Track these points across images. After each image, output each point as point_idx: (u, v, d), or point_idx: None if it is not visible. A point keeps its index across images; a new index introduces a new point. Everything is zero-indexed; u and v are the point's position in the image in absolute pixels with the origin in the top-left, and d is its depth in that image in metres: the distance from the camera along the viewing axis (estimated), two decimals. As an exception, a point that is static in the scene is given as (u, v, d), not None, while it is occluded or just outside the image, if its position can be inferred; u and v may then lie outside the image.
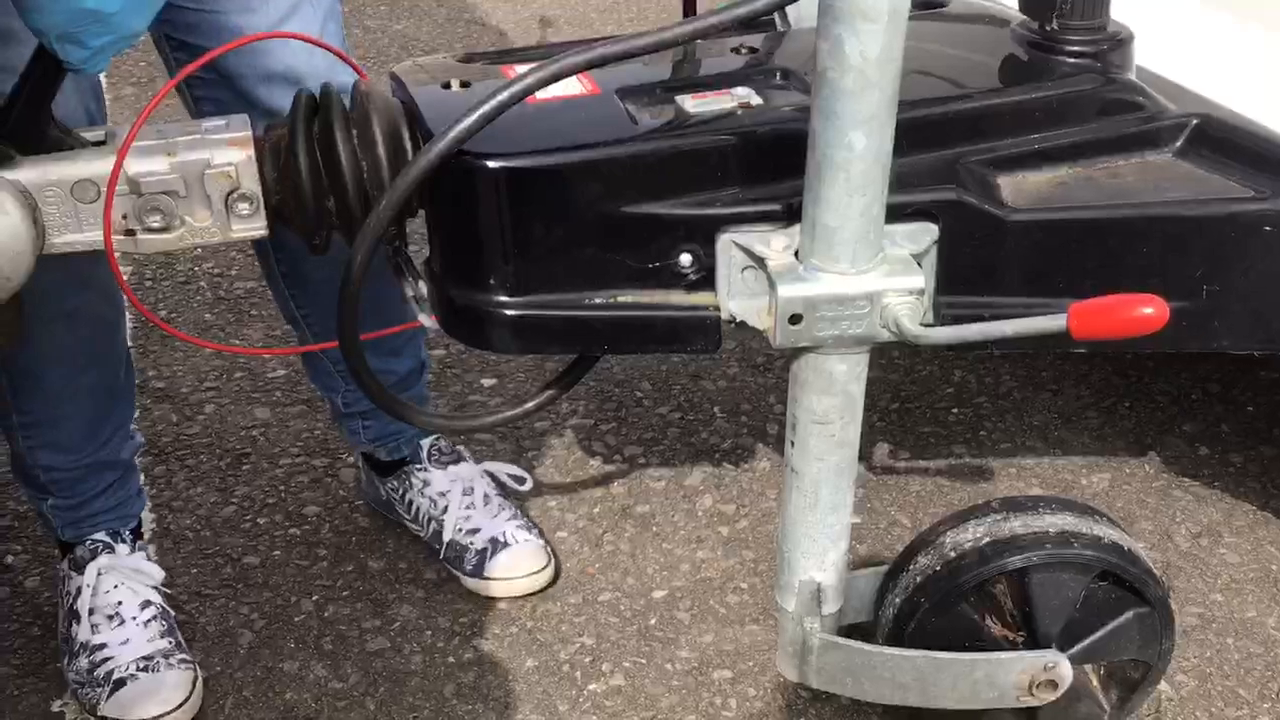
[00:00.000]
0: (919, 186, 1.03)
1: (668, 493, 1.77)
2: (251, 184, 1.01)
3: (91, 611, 1.46)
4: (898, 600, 1.23)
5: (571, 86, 1.10)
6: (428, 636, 1.53)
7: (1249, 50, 1.42)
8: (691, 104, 1.07)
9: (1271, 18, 1.41)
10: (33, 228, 0.94)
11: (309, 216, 1.03)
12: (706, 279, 1.05)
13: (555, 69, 0.95)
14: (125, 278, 1.47)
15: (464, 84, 1.12)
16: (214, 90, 1.31)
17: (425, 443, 1.67)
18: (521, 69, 1.01)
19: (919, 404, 1.94)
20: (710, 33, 0.96)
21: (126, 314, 1.51)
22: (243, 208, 1.01)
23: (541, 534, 1.64)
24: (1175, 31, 1.41)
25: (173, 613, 1.51)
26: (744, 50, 1.20)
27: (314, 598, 1.59)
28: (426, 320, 1.12)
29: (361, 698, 1.45)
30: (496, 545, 1.58)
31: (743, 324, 1.06)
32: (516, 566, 1.58)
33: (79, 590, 1.48)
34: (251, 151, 1.00)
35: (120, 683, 1.41)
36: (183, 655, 1.44)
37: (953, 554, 1.20)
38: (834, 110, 0.90)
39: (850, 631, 1.23)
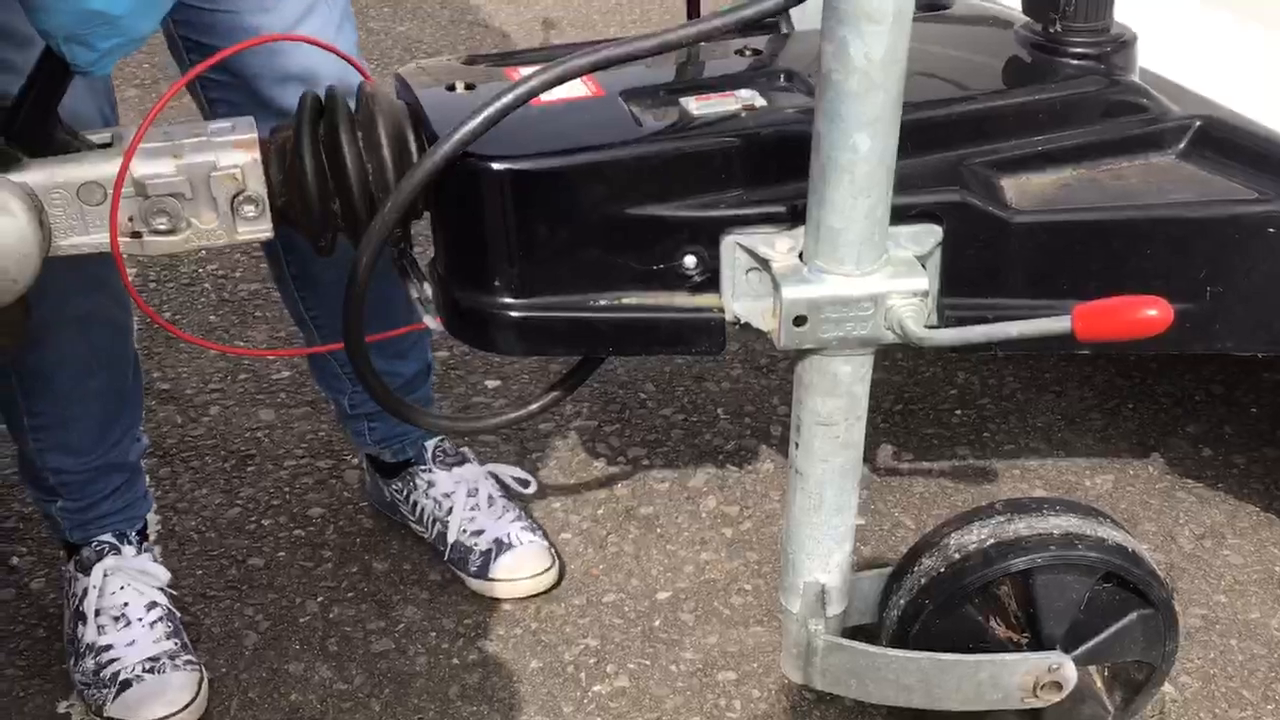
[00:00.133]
0: (923, 188, 1.03)
1: (671, 494, 1.77)
2: (257, 186, 1.01)
3: (98, 613, 1.47)
4: (902, 602, 1.23)
5: (576, 89, 1.10)
6: (432, 638, 1.53)
7: (1251, 51, 1.42)
8: (696, 106, 1.07)
9: (1273, 17, 1.41)
10: (39, 230, 0.95)
11: (314, 218, 1.04)
12: (711, 281, 1.05)
13: (560, 71, 0.95)
14: (130, 280, 1.47)
15: (469, 86, 1.12)
16: (228, 92, 1.31)
17: (430, 444, 1.67)
18: (526, 71, 1.01)
19: (922, 405, 1.94)
20: (714, 35, 0.97)
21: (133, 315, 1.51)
22: (248, 210, 1.01)
23: (545, 535, 1.64)
24: (1178, 33, 1.41)
25: (178, 614, 1.51)
26: (748, 52, 1.21)
27: (319, 599, 1.59)
28: (431, 322, 1.13)
29: (366, 699, 1.45)
30: (501, 546, 1.59)
31: (747, 326, 1.06)
32: (520, 567, 1.58)
33: (85, 592, 1.49)
34: (257, 154, 1.01)
35: (126, 684, 1.41)
36: (188, 656, 1.45)
37: (957, 555, 1.20)
38: (839, 112, 0.90)
39: (854, 633, 1.23)
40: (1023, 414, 1.92)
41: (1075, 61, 1.14)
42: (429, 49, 3.39)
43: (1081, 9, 1.13)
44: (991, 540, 1.19)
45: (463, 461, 1.68)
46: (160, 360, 2.06)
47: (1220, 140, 1.14)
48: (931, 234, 1.04)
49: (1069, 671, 1.17)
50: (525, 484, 1.71)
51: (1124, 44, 1.16)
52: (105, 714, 1.41)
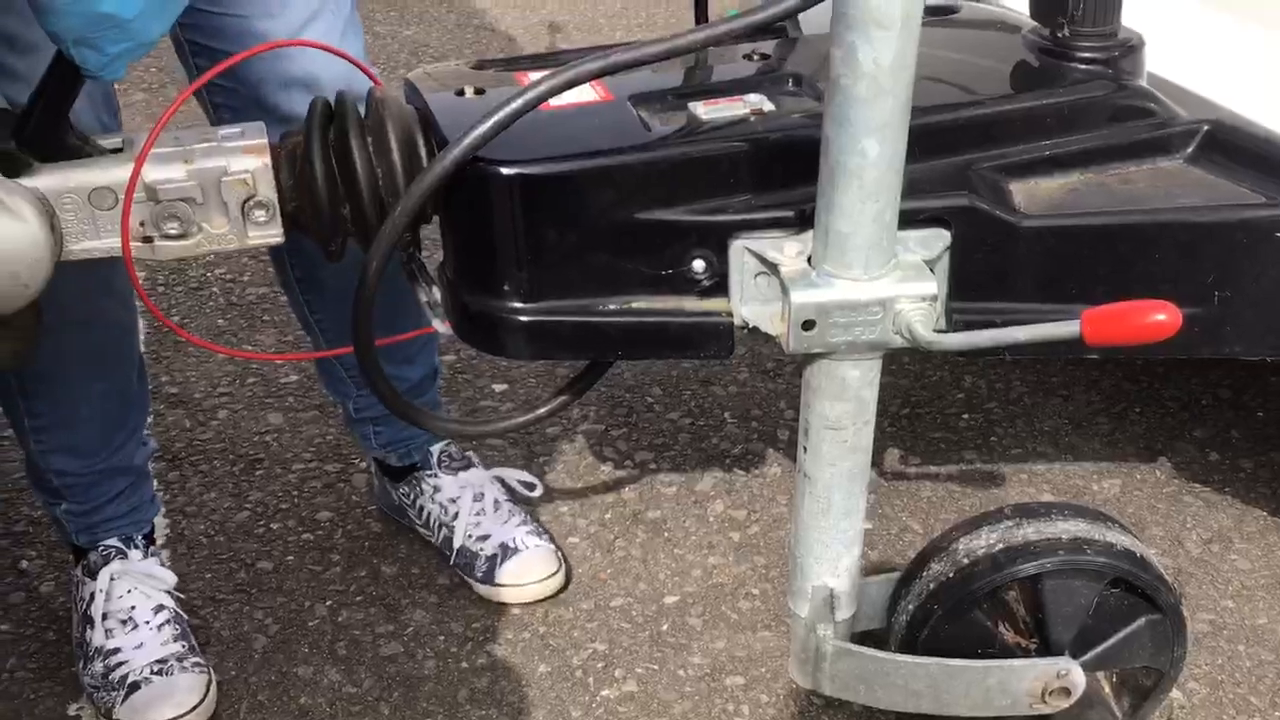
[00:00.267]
0: (931, 193, 1.03)
1: (679, 498, 1.77)
2: (268, 191, 1.01)
3: (105, 616, 1.47)
4: (911, 607, 1.23)
5: (584, 93, 1.11)
6: (441, 641, 1.54)
7: (1259, 54, 1.42)
8: (704, 111, 1.07)
9: (1273, 18, 1.41)
10: (51, 235, 0.95)
11: (325, 223, 1.04)
12: (719, 285, 1.05)
13: (569, 76, 0.95)
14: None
15: (478, 91, 1.12)
16: (231, 97, 1.32)
17: (435, 449, 1.67)
18: (535, 76, 1.01)
19: (929, 410, 1.94)
20: (723, 40, 0.97)
21: (140, 320, 1.52)
22: (259, 215, 1.02)
23: (552, 539, 1.64)
24: (1186, 37, 1.41)
25: (186, 617, 1.51)
26: (756, 57, 1.21)
27: (327, 603, 1.59)
28: (440, 326, 1.13)
29: (375, 703, 1.46)
30: (506, 551, 1.59)
31: (755, 330, 1.06)
32: (526, 572, 1.58)
33: (92, 596, 1.49)
34: (268, 159, 1.01)
35: (134, 686, 1.41)
36: (196, 659, 1.45)
37: (966, 560, 1.20)
38: (847, 117, 0.90)
39: (862, 638, 1.23)
40: (1030, 418, 1.92)
41: (1083, 66, 1.14)
42: (435, 53, 3.40)
43: (1089, 14, 1.13)
44: (1000, 545, 1.19)
45: (468, 466, 1.68)
46: (169, 364, 2.07)
47: (1228, 145, 1.14)
48: (940, 238, 1.04)
49: (1077, 677, 1.17)
50: (531, 488, 1.71)
51: (1132, 49, 1.16)
52: (114, 716, 1.41)
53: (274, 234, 1.03)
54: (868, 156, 0.91)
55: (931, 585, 1.21)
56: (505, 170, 1.00)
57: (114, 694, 1.42)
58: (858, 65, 0.88)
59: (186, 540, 1.70)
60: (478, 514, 1.63)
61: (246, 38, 1.27)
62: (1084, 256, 1.07)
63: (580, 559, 1.66)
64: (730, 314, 1.06)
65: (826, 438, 1.06)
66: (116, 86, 1.39)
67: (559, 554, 1.62)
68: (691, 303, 1.06)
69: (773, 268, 1.02)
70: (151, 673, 1.42)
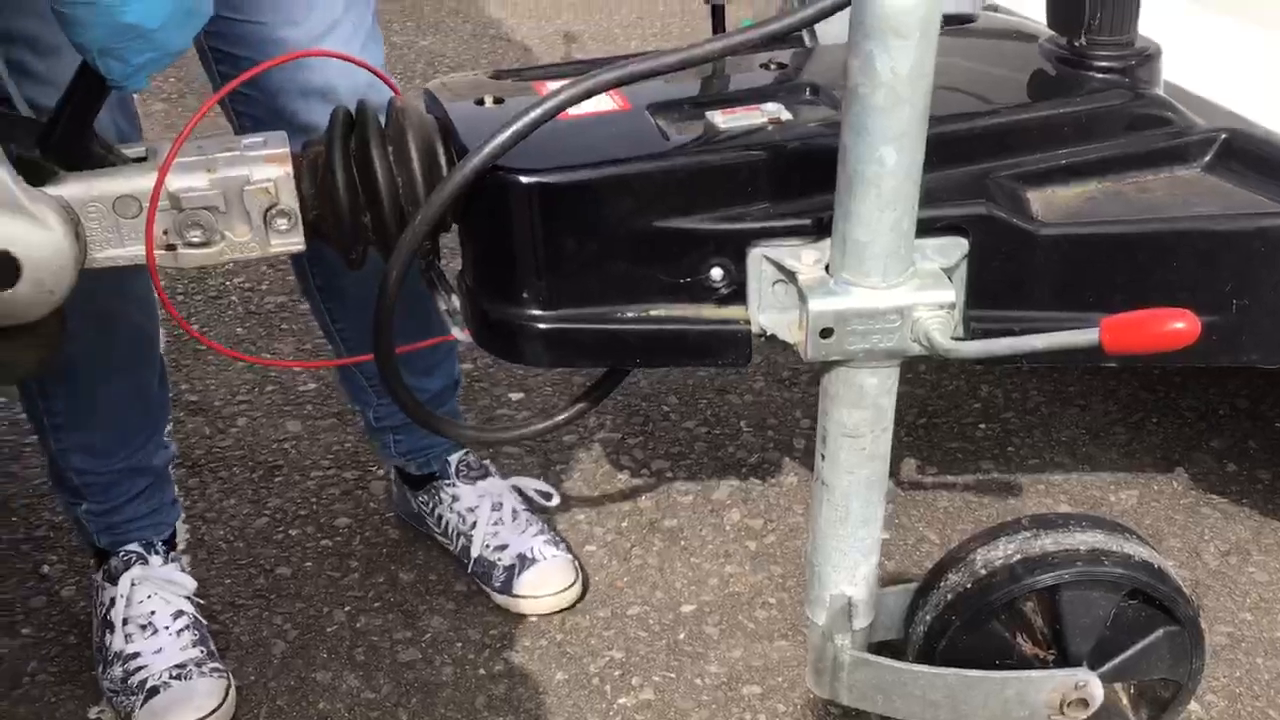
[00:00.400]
0: (949, 201, 1.03)
1: (695, 507, 1.78)
2: (290, 200, 1.02)
3: (125, 621, 1.48)
4: (928, 617, 1.22)
5: (603, 102, 1.11)
6: (458, 648, 1.54)
7: (1264, 57, 1.42)
8: (722, 119, 1.08)
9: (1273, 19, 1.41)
10: (75, 243, 0.96)
11: (346, 232, 1.05)
12: (737, 293, 1.06)
13: (588, 85, 0.96)
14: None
15: (497, 100, 1.13)
16: (252, 105, 1.33)
17: (454, 458, 1.68)
18: (553, 85, 1.02)
19: (946, 419, 1.94)
20: (741, 49, 0.98)
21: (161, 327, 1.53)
22: (281, 223, 1.02)
23: (569, 549, 1.65)
24: (1203, 46, 1.41)
25: (205, 622, 1.52)
26: (773, 66, 1.21)
27: (346, 608, 1.60)
28: (459, 333, 1.14)
29: (394, 708, 1.46)
30: (524, 561, 1.59)
31: (773, 338, 1.06)
32: (544, 584, 1.59)
33: (113, 600, 1.50)
34: (290, 168, 1.02)
35: (154, 690, 1.42)
36: (215, 664, 1.46)
37: (983, 571, 1.19)
38: (865, 126, 0.91)
39: (879, 649, 1.23)
40: (1047, 428, 1.92)
41: (1100, 75, 1.15)
42: (451, 63, 3.41)
43: (1106, 23, 1.13)
44: (1018, 556, 1.19)
45: (486, 475, 1.69)
46: (189, 372, 2.08)
47: (1245, 153, 1.14)
48: (958, 246, 1.04)
49: (1095, 689, 1.17)
50: (549, 497, 1.71)
51: (1148, 57, 1.16)
52: (134, 721, 1.42)
53: (295, 242, 1.04)
54: (885, 165, 0.92)
55: (949, 596, 1.21)
56: (524, 179, 1.00)
57: (133, 698, 1.43)
58: (875, 74, 0.88)
59: (206, 546, 1.71)
60: (495, 523, 1.63)
61: (267, 45, 1.28)
62: (1102, 265, 1.07)
63: (597, 567, 1.66)
64: (748, 322, 1.06)
65: (844, 445, 1.06)
66: (135, 96, 1.40)
67: (576, 564, 1.62)
68: (709, 310, 1.06)
69: (790, 276, 1.02)
70: (170, 677, 1.43)
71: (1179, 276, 1.08)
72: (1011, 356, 0.99)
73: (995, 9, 1.67)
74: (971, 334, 1.07)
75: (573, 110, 1.00)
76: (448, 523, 1.66)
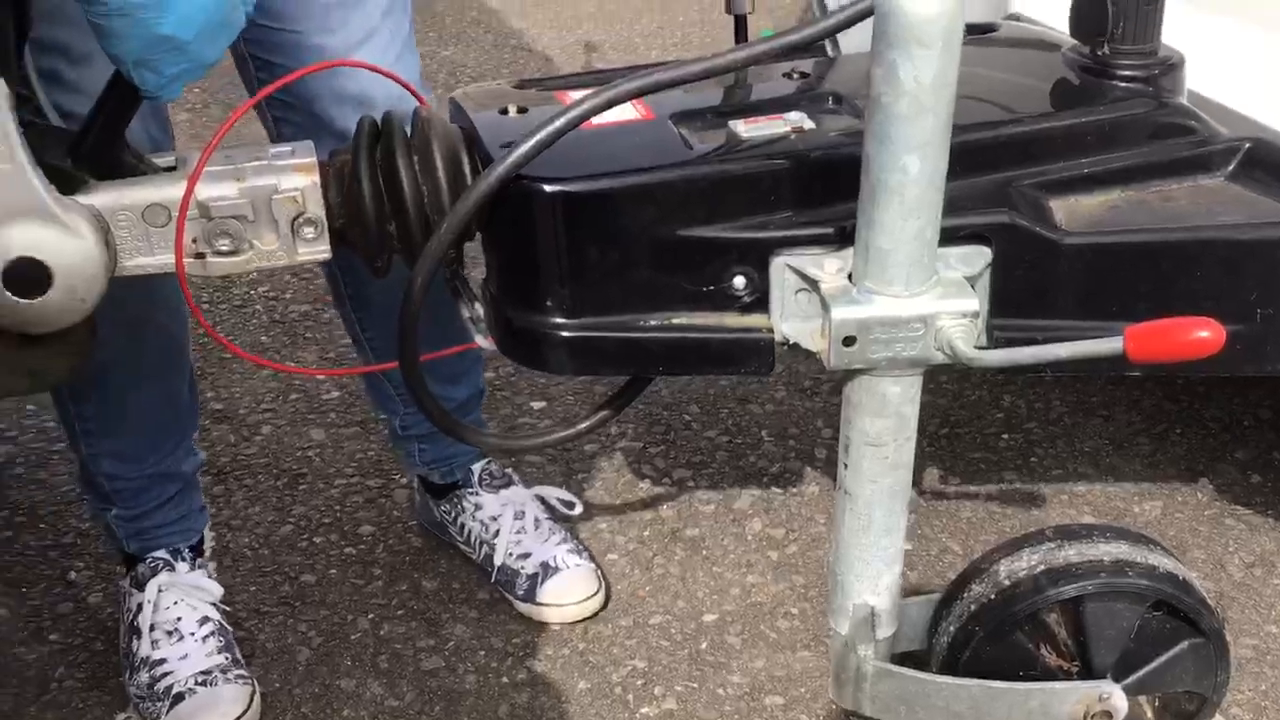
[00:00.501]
0: (972, 210, 1.03)
1: (717, 516, 1.78)
2: (316, 208, 1.03)
3: (152, 628, 1.49)
4: (952, 628, 1.22)
5: (626, 112, 1.12)
6: (481, 656, 1.54)
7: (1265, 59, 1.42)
8: (745, 129, 1.08)
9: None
10: (106, 251, 0.97)
11: (371, 240, 1.06)
12: (760, 301, 1.06)
13: (611, 95, 0.97)
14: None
15: (521, 110, 1.13)
16: (289, 112, 1.35)
17: (476, 467, 1.68)
18: (576, 95, 1.02)
19: (968, 429, 1.94)
20: (764, 59, 0.98)
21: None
22: (308, 231, 1.03)
23: (592, 558, 1.65)
24: (1227, 55, 1.41)
25: (230, 629, 1.53)
26: (796, 75, 1.22)
27: (369, 616, 1.61)
28: (483, 341, 1.14)
29: (417, 716, 1.47)
30: (547, 570, 1.60)
31: (796, 346, 1.07)
32: (567, 593, 1.59)
33: (140, 607, 1.51)
34: (317, 177, 1.03)
35: (179, 697, 1.43)
36: (239, 671, 1.47)
37: (1007, 582, 1.19)
38: (888, 134, 0.91)
39: (902, 659, 1.22)
40: (1070, 438, 1.91)
41: (1123, 84, 1.14)
42: (473, 73, 3.43)
43: (1129, 31, 1.13)
44: (1042, 567, 1.18)
45: (509, 484, 1.70)
46: (214, 380, 2.10)
47: (1269, 162, 1.14)
48: (981, 255, 1.04)
49: (1119, 701, 1.16)
50: (571, 506, 1.72)
51: (1172, 66, 1.16)
52: (159, 726, 1.43)
53: (322, 250, 1.05)
54: (909, 173, 0.92)
55: (973, 607, 1.21)
56: (548, 188, 1.01)
57: (159, 704, 1.44)
58: (899, 83, 0.89)
59: (231, 553, 1.72)
60: (518, 532, 1.64)
61: (304, 52, 1.30)
62: (1125, 274, 1.07)
63: (619, 576, 1.67)
64: (771, 330, 1.06)
65: (867, 454, 1.06)
66: (167, 106, 1.42)
67: (599, 573, 1.63)
68: (732, 319, 1.06)
69: (813, 284, 1.03)
70: (196, 683, 1.44)
71: (1203, 285, 1.08)
72: (1035, 365, 0.99)
73: (1018, 18, 1.67)
74: (995, 343, 1.07)
75: (596, 119, 1.01)
76: (470, 531, 1.66)
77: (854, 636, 1.16)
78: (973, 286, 1.02)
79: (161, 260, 1.01)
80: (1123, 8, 1.12)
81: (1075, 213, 1.10)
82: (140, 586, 1.53)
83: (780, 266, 1.04)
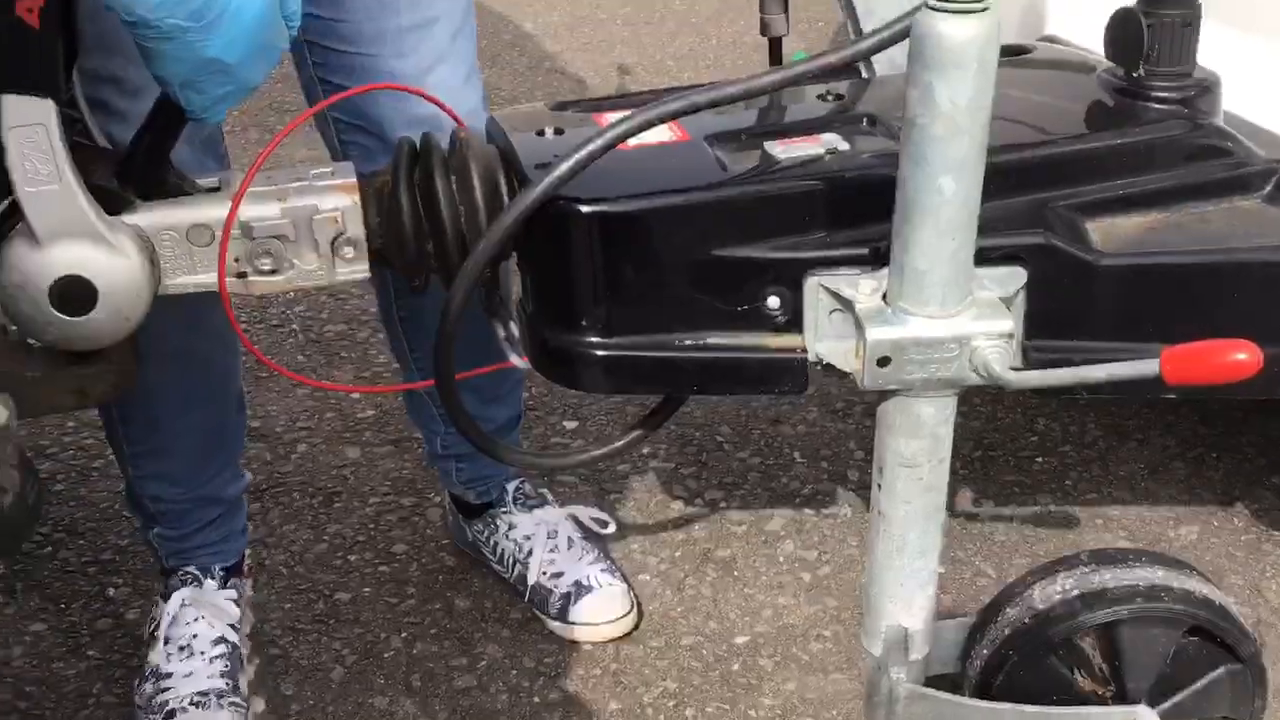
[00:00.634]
0: (1008, 231, 1.03)
1: (748, 538, 1.78)
2: (356, 228, 1.04)
3: (167, 640, 1.51)
4: (985, 652, 1.21)
5: (661, 133, 1.13)
6: (513, 676, 1.55)
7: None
8: (780, 150, 1.08)
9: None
10: (150, 269, 0.99)
11: (410, 260, 1.07)
12: (794, 321, 1.06)
13: (648, 116, 0.97)
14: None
15: (558, 131, 1.14)
16: (359, 135, 1.37)
17: (510, 486, 1.69)
18: (613, 117, 1.03)
19: (1002, 452, 1.93)
20: (799, 81, 0.99)
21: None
22: (347, 251, 1.05)
23: (625, 578, 1.65)
24: (1263, 76, 1.40)
25: (244, 655, 1.53)
26: (830, 97, 1.22)
27: (402, 634, 1.62)
28: (518, 360, 1.15)
29: (448, 734, 1.47)
30: (580, 589, 1.60)
31: (830, 366, 1.07)
32: (600, 612, 1.59)
33: (161, 617, 1.53)
34: (357, 197, 1.04)
35: (171, 714, 1.45)
36: (234, 698, 1.47)
37: (1042, 606, 1.18)
38: (924, 155, 0.91)
39: (935, 683, 1.22)
40: (1105, 462, 1.90)
41: (1159, 106, 1.14)
42: (507, 96, 3.45)
43: (1165, 54, 1.13)
44: (1076, 591, 1.18)
45: (543, 503, 1.70)
46: (251, 399, 2.12)
47: (1308, 184, 1.13)
48: (1016, 276, 1.04)
49: (1155, 726, 1.15)
50: (604, 525, 1.72)
51: (1208, 88, 1.16)
52: (149, 740, 1.44)
53: (360, 270, 1.06)
54: (944, 194, 0.92)
55: (1007, 630, 1.20)
56: (585, 208, 1.02)
57: (154, 718, 1.45)
58: (935, 105, 0.89)
59: (267, 570, 1.74)
60: (551, 551, 1.64)
61: (376, 77, 1.32)
62: (1162, 295, 1.06)
63: (651, 596, 1.67)
64: (804, 350, 1.07)
65: (901, 475, 1.06)
66: (224, 136, 1.43)
67: (631, 593, 1.63)
68: (766, 339, 1.07)
69: (848, 304, 1.03)
70: (190, 704, 1.45)
71: (1240, 307, 1.07)
72: (1070, 387, 0.98)
73: (1053, 40, 1.67)
74: (1030, 364, 1.07)
75: (632, 141, 1.01)
76: (504, 550, 1.67)
77: (887, 658, 1.15)
78: (1008, 307, 1.02)
79: (204, 279, 1.02)
80: (1158, 30, 1.12)
81: (1111, 234, 1.09)
82: (167, 598, 1.54)
83: (814, 287, 1.05)
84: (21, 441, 0.97)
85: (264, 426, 2.05)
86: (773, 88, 0.98)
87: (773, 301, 1.05)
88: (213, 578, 1.56)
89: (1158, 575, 1.18)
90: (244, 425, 1.59)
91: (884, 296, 1.01)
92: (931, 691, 1.17)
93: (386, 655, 1.58)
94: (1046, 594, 1.19)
